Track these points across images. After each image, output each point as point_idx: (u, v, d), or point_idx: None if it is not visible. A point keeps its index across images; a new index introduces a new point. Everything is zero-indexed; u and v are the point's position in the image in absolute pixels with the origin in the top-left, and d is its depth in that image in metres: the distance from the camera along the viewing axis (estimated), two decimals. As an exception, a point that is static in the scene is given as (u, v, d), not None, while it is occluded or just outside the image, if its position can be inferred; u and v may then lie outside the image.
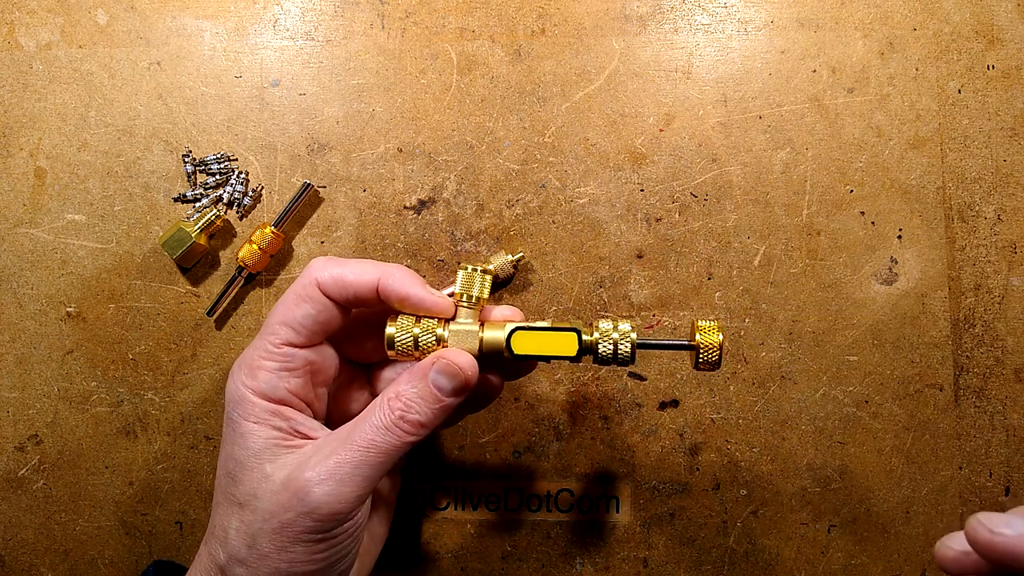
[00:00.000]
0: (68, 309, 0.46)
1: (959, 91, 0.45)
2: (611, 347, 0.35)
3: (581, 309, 0.45)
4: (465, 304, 0.36)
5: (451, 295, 0.36)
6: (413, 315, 0.36)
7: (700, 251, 0.45)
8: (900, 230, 0.45)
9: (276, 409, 0.34)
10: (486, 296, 0.36)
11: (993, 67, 0.45)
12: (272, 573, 0.32)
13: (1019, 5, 0.45)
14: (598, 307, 0.45)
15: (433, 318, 0.36)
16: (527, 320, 0.37)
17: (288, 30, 0.46)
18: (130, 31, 0.47)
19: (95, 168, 0.46)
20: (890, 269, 0.45)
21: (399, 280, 0.34)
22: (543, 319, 0.45)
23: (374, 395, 0.39)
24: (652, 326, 0.45)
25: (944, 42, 0.45)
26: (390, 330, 0.35)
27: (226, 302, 0.45)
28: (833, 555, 0.44)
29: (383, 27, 0.46)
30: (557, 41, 0.46)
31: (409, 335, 0.35)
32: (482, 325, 0.36)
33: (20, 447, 0.45)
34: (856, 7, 0.45)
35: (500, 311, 0.37)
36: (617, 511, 0.45)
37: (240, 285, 0.45)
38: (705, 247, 0.45)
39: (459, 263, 0.45)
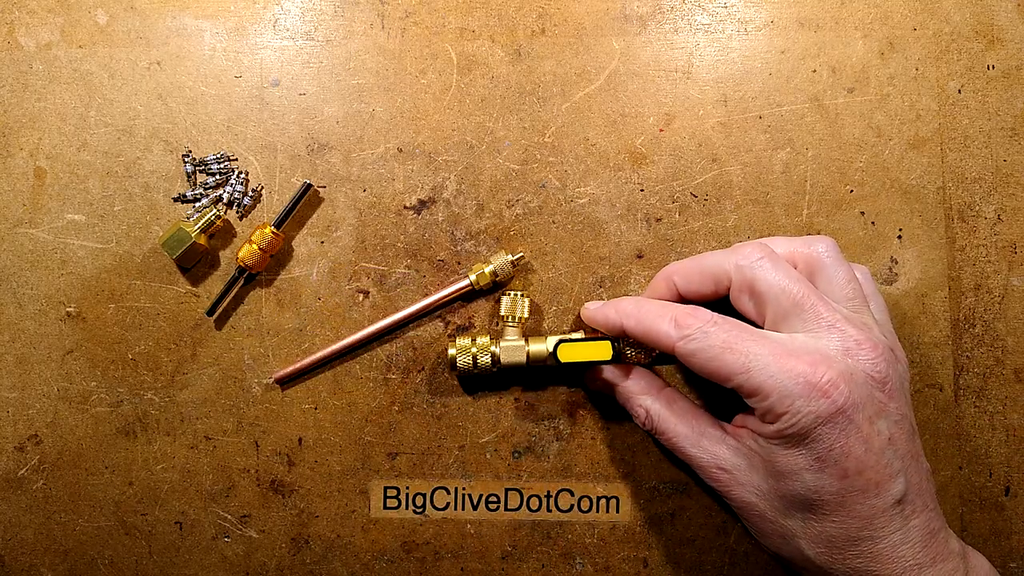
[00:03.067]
0: (68, 309, 0.46)
1: (959, 91, 0.45)
2: (636, 350, 0.42)
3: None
4: (511, 324, 0.43)
5: (498, 318, 0.44)
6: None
7: (700, 251, 0.45)
8: (900, 230, 0.45)
9: None
10: (527, 315, 0.43)
11: (993, 67, 0.45)
12: None
13: (1019, 5, 0.45)
14: (598, 307, 0.45)
15: (487, 336, 0.43)
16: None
17: (288, 30, 0.46)
18: (130, 31, 0.47)
19: (95, 168, 0.46)
20: (890, 269, 0.45)
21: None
22: (543, 319, 0.45)
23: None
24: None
25: (944, 42, 0.45)
26: (451, 352, 0.42)
27: (226, 302, 0.45)
28: (833, 555, 0.44)
29: (383, 27, 0.46)
30: (557, 41, 0.46)
31: (468, 355, 0.42)
32: (527, 339, 0.42)
33: (20, 447, 0.45)
34: (856, 7, 0.45)
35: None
36: (617, 511, 0.45)
37: (240, 285, 0.45)
38: (705, 247, 0.45)
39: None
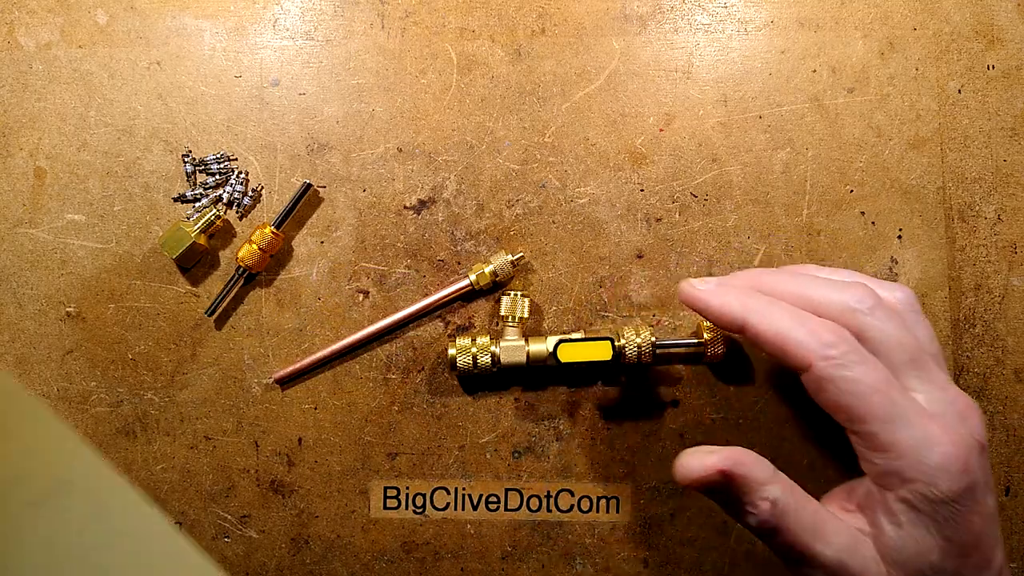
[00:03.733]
0: (68, 309, 0.45)
1: (959, 91, 0.45)
2: (636, 350, 0.42)
3: (581, 309, 0.45)
4: (511, 324, 0.42)
5: (498, 318, 0.43)
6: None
7: (700, 251, 0.45)
8: (900, 230, 0.45)
9: None
10: (527, 315, 0.43)
11: (993, 67, 0.45)
12: None
13: (1019, 5, 0.45)
14: (598, 307, 0.45)
15: (487, 336, 0.42)
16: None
17: (288, 30, 0.46)
18: (130, 31, 0.47)
19: (95, 168, 0.46)
20: (890, 269, 0.45)
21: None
22: (543, 319, 0.45)
23: None
24: (652, 325, 0.45)
25: (944, 42, 0.45)
26: (451, 352, 0.42)
27: (226, 302, 0.45)
28: (833, 555, 0.44)
29: (383, 27, 0.46)
30: (557, 41, 0.46)
31: (468, 355, 0.42)
32: (527, 339, 0.42)
33: (20, 447, 0.45)
34: (856, 7, 0.45)
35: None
36: (617, 511, 0.45)
37: (240, 285, 0.45)
38: (705, 247, 0.45)
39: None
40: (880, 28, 0.45)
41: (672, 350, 0.43)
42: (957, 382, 0.44)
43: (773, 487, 0.32)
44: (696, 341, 0.43)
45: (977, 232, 0.45)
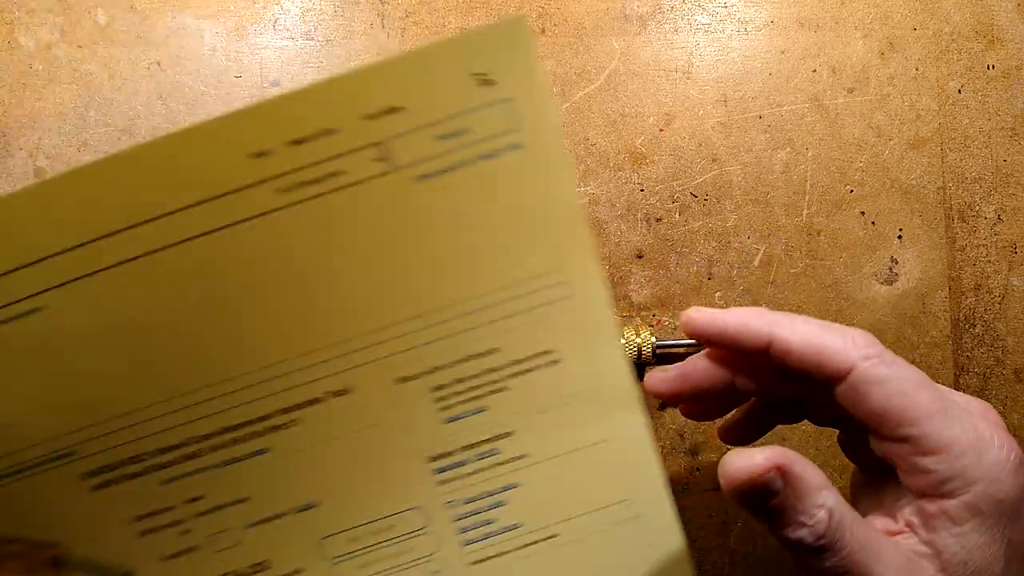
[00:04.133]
0: (68, 309, 0.45)
1: (959, 91, 0.45)
2: (636, 350, 0.42)
3: (581, 309, 0.45)
4: None
5: None
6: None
7: (700, 251, 0.45)
8: (900, 230, 0.45)
9: None
10: None
11: (993, 67, 0.45)
12: None
13: (1019, 5, 0.45)
14: (598, 307, 0.45)
15: None
16: None
17: (288, 30, 0.46)
18: (130, 31, 0.47)
19: (95, 168, 0.46)
20: (890, 269, 0.45)
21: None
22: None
23: None
24: (652, 325, 0.45)
25: (944, 42, 0.45)
26: None
27: (226, 302, 0.45)
28: (833, 555, 0.44)
29: (383, 27, 0.46)
30: (557, 41, 0.46)
31: None
32: None
33: (20, 447, 0.45)
34: (856, 7, 0.45)
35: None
36: (617, 511, 0.45)
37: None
38: (705, 247, 0.45)
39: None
40: (880, 28, 0.45)
41: (672, 350, 0.43)
42: (957, 382, 0.44)
43: (829, 494, 0.28)
44: (696, 341, 0.43)
45: (977, 232, 0.45)
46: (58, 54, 0.47)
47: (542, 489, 0.30)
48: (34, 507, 0.28)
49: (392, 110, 0.25)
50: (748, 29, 0.46)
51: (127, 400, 0.27)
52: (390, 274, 0.27)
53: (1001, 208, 0.45)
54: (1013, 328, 0.44)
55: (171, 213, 0.25)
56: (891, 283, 0.45)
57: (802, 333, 0.29)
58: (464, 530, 0.30)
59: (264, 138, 0.25)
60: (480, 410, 0.29)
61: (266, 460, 0.28)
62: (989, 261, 0.45)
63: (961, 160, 0.45)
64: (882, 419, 0.28)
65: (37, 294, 0.25)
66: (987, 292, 0.44)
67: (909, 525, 0.29)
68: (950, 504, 0.28)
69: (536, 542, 0.31)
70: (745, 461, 0.28)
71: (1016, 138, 0.45)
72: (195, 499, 0.29)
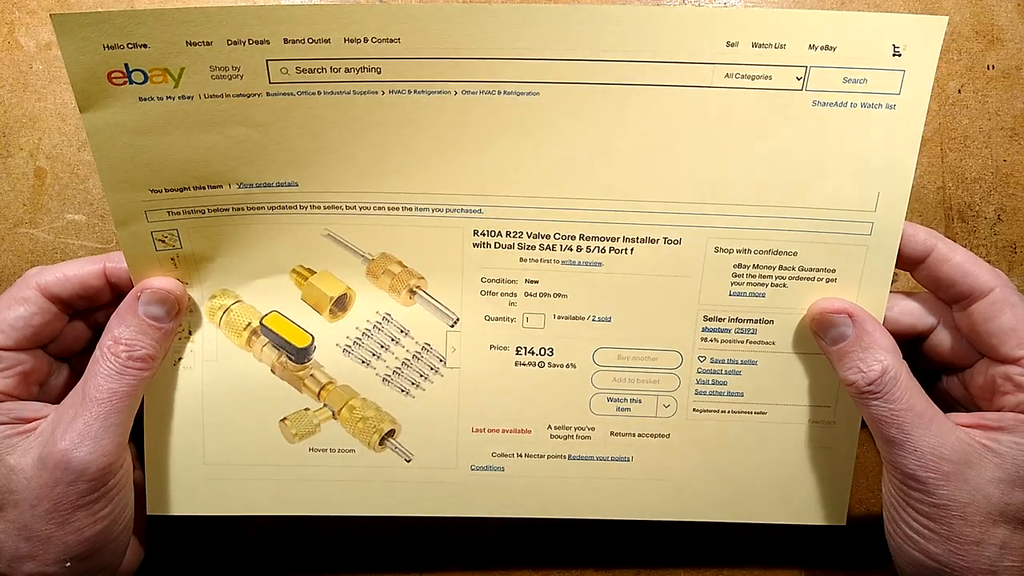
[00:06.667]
0: (68, 309, 0.45)
1: (959, 91, 0.45)
2: None
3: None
4: None
5: None
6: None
7: (700, 251, 0.45)
8: (900, 230, 0.45)
9: None
10: None
11: (993, 67, 0.45)
12: (62, 550, 0.32)
13: (1019, 5, 0.45)
14: (598, 307, 0.45)
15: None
16: None
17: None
18: (130, 31, 0.46)
19: (95, 168, 0.46)
20: (890, 269, 0.45)
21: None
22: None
23: None
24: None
25: (944, 42, 0.45)
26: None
27: (226, 302, 0.45)
28: (833, 555, 0.44)
29: None
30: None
31: None
32: None
33: (20, 447, 0.45)
34: (856, 7, 0.45)
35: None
36: (617, 511, 0.45)
37: (240, 285, 0.45)
38: (705, 247, 0.45)
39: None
40: (880, 28, 0.45)
41: None
42: (957, 382, 0.44)
43: (891, 356, 0.34)
44: None
45: (977, 232, 0.45)
46: (58, 54, 0.47)
47: (772, 374, 0.38)
48: (438, 246, 0.37)
49: (828, 47, 0.33)
50: (748, 29, 0.46)
51: (526, 188, 0.36)
52: (744, 162, 0.35)
53: (1001, 208, 0.45)
54: (1013, 328, 0.44)
55: (635, 61, 0.33)
56: (891, 283, 0.45)
57: (959, 250, 0.35)
58: (701, 383, 0.38)
59: (740, 35, 0.33)
60: (760, 295, 0.37)
61: (595, 271, 0.37)
62: (989, 261, 0.44)
63: (961, 160, 0.45)
64: (1007, 337, 0.33)
65: (536, 82, 0.34)
66: (987, 292, 0.44)
67: (976, 423, 0.33)
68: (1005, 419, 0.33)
69: (749, 412, 0.39)
70: (827, 301, 0.36)
71: (1016, 138, 0.45)
72: (532, 281, 0.37)
